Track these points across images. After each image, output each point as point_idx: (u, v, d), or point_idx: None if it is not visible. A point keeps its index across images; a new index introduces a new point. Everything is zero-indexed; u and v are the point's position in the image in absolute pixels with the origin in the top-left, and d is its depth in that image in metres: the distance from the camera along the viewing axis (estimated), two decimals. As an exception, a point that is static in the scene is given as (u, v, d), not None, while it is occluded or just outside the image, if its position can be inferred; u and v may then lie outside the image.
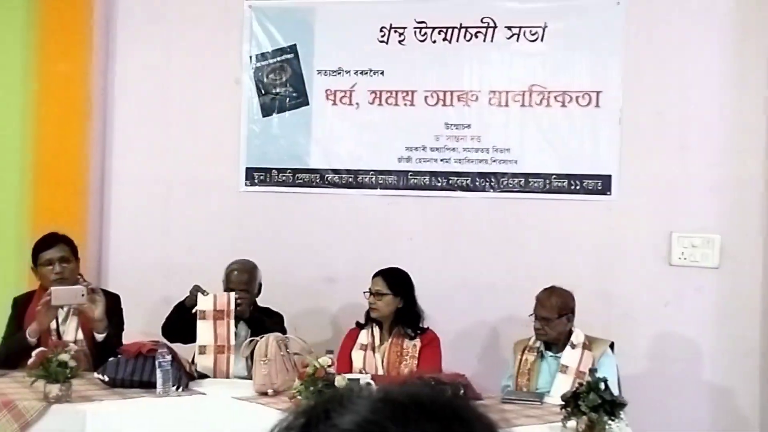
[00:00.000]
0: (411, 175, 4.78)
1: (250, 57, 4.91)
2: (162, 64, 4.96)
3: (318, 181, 4.86)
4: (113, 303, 4.07)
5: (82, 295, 3.79)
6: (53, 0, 4.85)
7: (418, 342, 4.07)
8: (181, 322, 4.05)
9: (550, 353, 3.97)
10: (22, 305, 4.06)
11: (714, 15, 4.49)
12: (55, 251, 4.02)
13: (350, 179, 4.84)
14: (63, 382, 3.27)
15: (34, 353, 3.33)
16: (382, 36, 4.79)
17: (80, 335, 3.92)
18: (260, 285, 4.33)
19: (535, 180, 4.66)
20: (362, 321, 4.20)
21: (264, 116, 4.91)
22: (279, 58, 4.89)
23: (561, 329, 3.92)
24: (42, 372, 3.26)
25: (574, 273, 4.46)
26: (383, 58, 4.79)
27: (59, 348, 3.33)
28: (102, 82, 4.93)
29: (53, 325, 3.95)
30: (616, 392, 3.36)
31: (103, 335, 3.87)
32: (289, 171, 4.88)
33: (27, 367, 3.32)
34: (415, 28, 4.77)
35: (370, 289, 4.12)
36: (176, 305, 4.15)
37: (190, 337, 4.00)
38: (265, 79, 4.90)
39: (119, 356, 3.60)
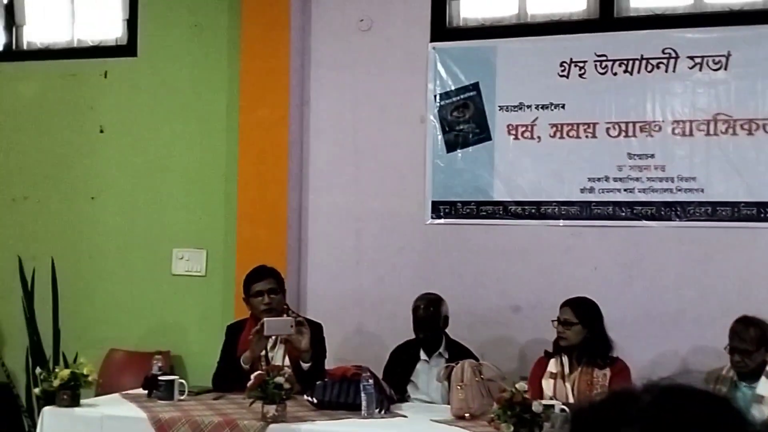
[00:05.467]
0: (594, 206, 4.86)
1: (435, 96, 5.14)
2: (352, 106, 5.27)
3: (501, 212, 5.01)
4: (316, 331, 4.36)
5: (291, 326, 4.09)
6: (253, 52, 5.26)
7: (608, 371, 4.12)
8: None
9: (744, 384, 3.94)
10: (234, 332, 4.43)
11: None
12: (265, 283, 4.36)
13: (533, 210, 4.96)
14: (279, 403, 3.56)
15: (252, 376, 3.64)
16: (563, 70, 4.91)
17: (287, 362, 4.22)
18: (447, 317, 4.52)
19: (722, 208, 4.63)
20: (550, 350, 4.30)
21: (448, 152, 5.12)
22: (462, 96, 5.11)
23: (760, 360, 3.89)
24: (260, 393, 3.56)
25: (767, 302, 4.39)
26: (564, 92, 4.91)
27: (275, 371, 3.62)
28: (297, 125, 5.29)
29: (263, 351, 4.29)
30: (817, 422, 3.31)
31: (308, 364, 4.17)
32: (473, 204, 5.07)
33: (247, 389, 3.63)
34: (595, 61, 4.87)
35: (558, 318, 4.22)
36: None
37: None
38: (449, 117, 5.12)
39: (326, 380, 3.87)
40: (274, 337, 4.26)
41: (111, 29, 5.67)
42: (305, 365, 4.16)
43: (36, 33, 5.86)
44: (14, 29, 5.86)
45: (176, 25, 5.51)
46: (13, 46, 5.87)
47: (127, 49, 5.60)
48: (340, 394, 3.82)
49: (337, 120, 5.31)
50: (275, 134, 5.21)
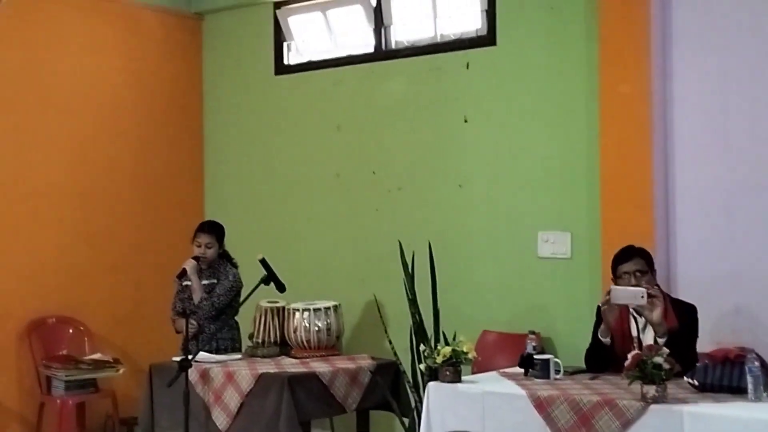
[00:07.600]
0: None
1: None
2: (719, 74, 4.97)
3: None
4: (689, 313, 4.25)
5: (642, 296, 3.99)
6: (611, 28, 5.16)
7: None
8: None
9: None
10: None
11: None
12: (632, 264, 4.29)
13: None
14: (659, 383, 3.49)
15: (629, 356, 3.60)
16: None
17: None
18: None
19: None
20: None
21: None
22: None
23: None
24: (638, 373, 3.52)
25: None
26: None
27: (652, 352, 3.56)
28: (661, 99, 5.09)
29: (634, 332, 4.23)
30: None
31: (663, 339, 4.03)
32: None
33: (624, 368, 3.61)
34: None
35: None
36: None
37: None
38: (834, 73, 4.67)
39: (707, 362, 3.73)
40: (642, 320, 4.20)
41: (471, 21, 5.88)
42: (660, 340, 4.02)
43: (402, 32, 6.24)
44: (382, 30, 6.29)
45: (532, 9, 5.57)
46: (383, 47, 6.30)
47: (486, 39, 5.76)
48: (723, 376, 3.66)
49: (704, 90, 5.04)
50: (637, 110, 5.07)
